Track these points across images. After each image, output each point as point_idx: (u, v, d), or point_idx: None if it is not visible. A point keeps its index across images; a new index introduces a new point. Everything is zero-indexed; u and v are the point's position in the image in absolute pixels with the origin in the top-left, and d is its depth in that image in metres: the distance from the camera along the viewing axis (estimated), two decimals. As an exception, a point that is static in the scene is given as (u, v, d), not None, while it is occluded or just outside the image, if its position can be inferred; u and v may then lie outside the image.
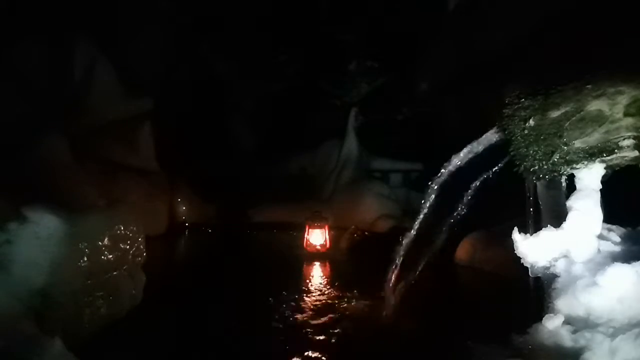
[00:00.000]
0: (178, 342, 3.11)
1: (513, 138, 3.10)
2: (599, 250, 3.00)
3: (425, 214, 3.69)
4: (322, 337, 3.20)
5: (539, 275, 3.07)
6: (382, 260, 3.96)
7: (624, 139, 2.76)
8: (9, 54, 6.09)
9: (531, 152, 3.00)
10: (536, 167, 3.01)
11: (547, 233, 2.99)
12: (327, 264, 5.87)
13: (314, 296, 4.26)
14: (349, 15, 10.94)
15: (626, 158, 2.87)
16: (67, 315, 2.62)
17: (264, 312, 3.74)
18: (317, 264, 5.85)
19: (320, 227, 6.29)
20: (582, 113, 2.79)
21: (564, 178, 3.11)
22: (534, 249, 3.02)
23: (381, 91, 11.20)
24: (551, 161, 2.94)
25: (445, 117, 8.74)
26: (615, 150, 2.80)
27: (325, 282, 4.92)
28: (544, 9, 3.13)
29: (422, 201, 3.73)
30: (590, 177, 3.00)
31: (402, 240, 3.81)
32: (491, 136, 3.37)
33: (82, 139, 5.79)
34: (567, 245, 2.94)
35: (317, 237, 6.24)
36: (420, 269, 3.72)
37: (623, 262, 2.74)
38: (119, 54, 7.99)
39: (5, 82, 5.76)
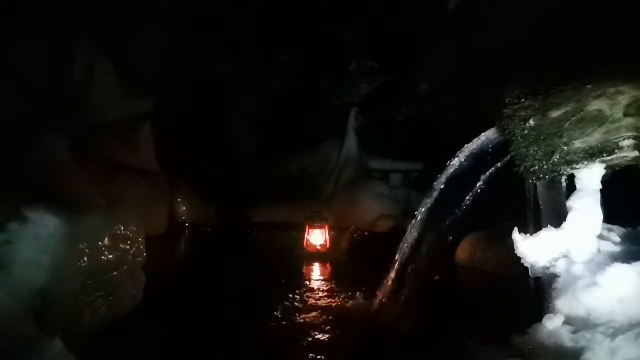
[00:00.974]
0: (178, 342, 3.11)
1: (513, 138, 3.10)
2: (599, 250, 3.00)
3: (424, 212, 3.69)
4: (322, 337, 3.19)
5: (539, 275, 3.07)
6: (382, 260, 3.96)
7: (624, 139, 2.76)
8: (9, 54, 6.09)
9: (531, 152, 3.00)
10: (536, 167, 3.01)
11: (547, 233, 2.99)
12: (327, 264, 5.87)
13: (314, 296, 4.26)
14: (349, 15, 10.94)
15: (626, 158, 2.87)
16: (67, 315, 2.62)
17: (264, 312, 3.74)
18: (317, 264, 5.85)
19: (320, 227, 6.29)
20: (582, 113, 2.79)
21: (564, 178, 3.11)
22: (534, 249, 3.02)
23: (381, 91, 11.20)
24: (551, 161, 2.94)
25: (445, 117, 8.75)
26: (615, 150, 2.80)
27: (325, 282, 4.91)
28: (544, 9, 3.13)
29: (422, 201, 3.74)
30: (590, 177, 3.00)
31: (402, 240, 3.81)
32: (491, 136, 3.38)
33: (82, 139, 5.78)
34: (567, 245, 2.94)
35: (317, 237, 6.24)
36: (420, 269, 3.72)
37: (623, 262, 2.73)
38: (119, 54, 7.99)
39: (5, 82, 5.76)
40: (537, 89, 2.93)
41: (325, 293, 4.37)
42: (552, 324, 2.68)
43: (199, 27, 10.98)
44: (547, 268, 3.02)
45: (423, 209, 3.75)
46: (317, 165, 10.77)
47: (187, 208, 8.96)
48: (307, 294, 4.34)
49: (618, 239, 3.18)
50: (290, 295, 4.19)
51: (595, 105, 2.75)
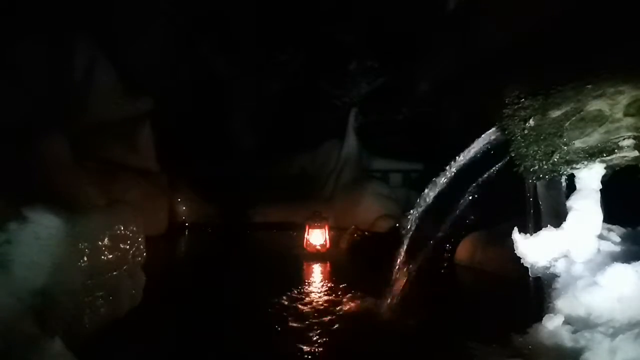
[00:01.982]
0: (178, 342, 3.11)
1: (513, 138, 3.10)
2: (599, 250, 3.00)
3: (423, 212, 3.70)
4: (322, 337, 3.19)
5: (539, 275, 3.07)
6: (382, 260, 3.96)
7: (624, 139, 2.76)
8: (9, 54, 6.09)
9: (531, 152, 3.00)
10: (536, 167, 3.01)
11: (547, 233, 3.00)
12: (327, 264, 5.87)
13: (313, 296, 4.26)
14: (349, 15, 10.94)
15: (626, 158, 2.87)
16: (67, 315, 2.62)
17: (264, 311, 3.74)
18: (317, 264, 5.85)
19: (320, 227, 6.29)
20: (582, 113, 2.79)
21: (564, 178, 3.11)
22: (534, 249, 3.02)
23: (381, 91, 11.21)
24: (551, 161, 2.94)
25: (445, 117, 8.75)
26: (615, 150, 2.80)
27: (325, 282, 4.91)
28: (544, 9, 3.13)
29: (422, 201, 3.74)
30: (590, 177, 3.00)
31: (402, 240, 3.81)
32: (491, 136, 3.37)
33: (82, 139, 5.79)
34: (567, 245, 2.94)
35: (317, 237, 6.24)
36: (420, 269, 3.72)
37: (623, 262, 2.74)
38: (119, 54, 8.00)
39: (6, 82, 5.76)
40: (537, 89, 2.93)
41: (325, 293, 4.37)
42: (552, 324, 2.68)
43: (199, 27, 10.98)
44: (547, 268, 3.02)
45: (423, 209, 3.75)
46: (317, 165, 10.77)
47: (187, 208, 8.96)
48: (307, 293, 4.34)
49: (618, 239, 3.19)
50: (290, 295, 4.18)
51: (595, 105, 2.75)
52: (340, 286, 4.53)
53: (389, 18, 10.25)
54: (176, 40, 10.07)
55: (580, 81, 2.74)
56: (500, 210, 4.39)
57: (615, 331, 2.47)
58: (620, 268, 2.69)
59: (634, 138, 2.74)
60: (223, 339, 3.24)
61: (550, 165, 2.96)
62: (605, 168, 3.01)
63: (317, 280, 5.17)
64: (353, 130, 10.45)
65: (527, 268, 3.10)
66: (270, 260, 6.18)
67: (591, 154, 2.87)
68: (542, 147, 2.96)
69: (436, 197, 3.66)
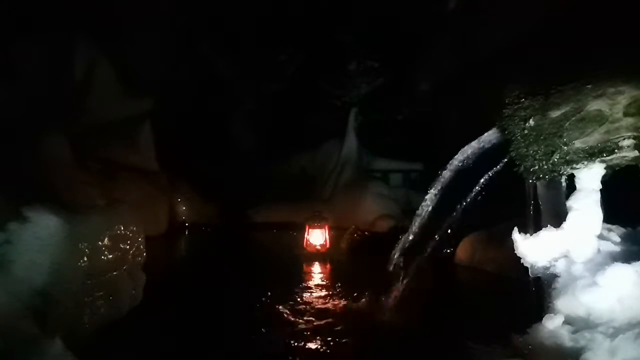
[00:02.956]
0: (178, 342, 3.11)
1: (513, 138, 3.10)
2: (599, 250, 3.00)
3: (424, 213, 3.69)
4: (322, 337, 3.19)
5: (539, 275, 3.07)
6: (382, 260, 3.96)
7: (624, 139, 2.76)
8: (9, 54, 6.09)
9: (531, 152, 3.00)
10: (536, 167, 3.01)
11: (547, 233, 2.99)
12: (327, 264, 5.87)
13: (313, 296, 4.26)
14: (349, 15, 10.94)
15: (626, 158, 2.87)
16: (67, 315, 2.62)
17: (264, 312, 3.74)
18: (317, 264, 5.85)
19: (320, 227, 6.29)
20: (582, 113, 2.79)
21: (564, 178, 3.10)
22: (534, 249, 3.01)
23: (381, 91, 11.20)
24: (551, 161, 2.94)
25: (445, 117, 8.75)
26: (615, 150, 2.80)
27: (325, 282, 4.91)
28: (544, 9, 3.14)
29: (421, 201, 3.74)
30: (590, 177, 3.00)
31: (402, 240, 3.81)
32: (491, 136, 3.38)
33: (82, 139, 5.79)
34: (567, 245, 2.94)
35: (317, 237, 6.24)
36: (420, 269, 3.72)
37: (623, 262, 2.73)
38: (119, 54, 7.99)
39: (6, 82, 5.76)
40: (537, 89, 2.93)
41: (325, 293, 4.37)
42: (552, 324, 2.68)
43: (199, 27, 10.98)
44: (547, 268, 3.02)
45: (423, 209, 3.75)
46: (317, 165, 10.76)
47: (187, 208, 8.95)
48: (307, 294, 4.34)
49: (618, 239, 3.18)
50: (290, 296, 4.18)
51: (595, 105, 2.75)
52: (340, 286, 4.53)
53: (389, 18, 10.25)
54: (176, 41, 10.07)
55: (580, 81, 2.74)
56: (500, 211, 4.39)
57: (615, 331, 2.47)
58: (620, 268, 2.68)
59: (634, 138, 2.73)
60: (223, 338, 3.24)
61: (550, 165, 2.96)
62: (605, 168, 3.00)
63: (317, 280, 5.17)
64: (353, 130, 10.45)
65: (527, 268, 3.10)
66: (271, 260, 6.18)
67: (591, 154, 2.86)
68: (542, 147, 2.95)
69: (436, 197, 3.66)
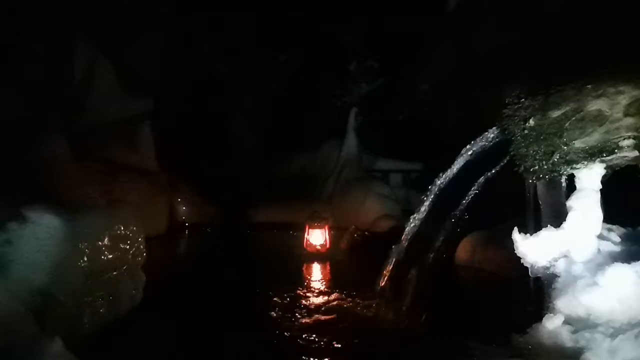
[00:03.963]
0: (178, 342, 3.11)
1: (513, 138, 3.10)
2: (599, 250, 3.01)
3: (424, 212, 3.69)
4: (322, 337, 3.19)
5: (539, 275, 3.07)
6: (382, 260, 3.96)
7: (624, 139, 2.77)
8: (10, 54, 6.09)
9: (531, 152, 3.01)
10: (536, 167, 3.01)
11: (547, 233, 3.00)
12: (327, 264, 5.86)
13: (313, 296, 4.26)
14: (349, 15, 10.94)
15: (626, 158, 2.87)
16: (67, 315, 2.62)
17: (264, 312, 3.74)
18: (317, 264, 5.85)
19: (320, 227, 6.28)
20: (582, 113, 2.80)
21: (564, 178, 3.11)
22: (534, 249, 3.02)
23: (381, 91, 11.20)
24: (551, 161, 2.94)
25: (445, 117, 8.75)
26: (615, 150, 2.80)
27: (325, 282, 4.91)
28: (544, 9, 3.14)
29: (421, 201, 3.74)
30: (590, 177, 3.01)
31: (402, 240, 3.81)
32: (491, 136, 3.38)
33: (82, 139, 5.79)
34: (567, 245, 2.95)
35: (317, 237, 6.24)
36: (420, 269, 3.72)
37: (623, 262, 2.74)
38: (119, 54, 7.99)
39: (6, 82, 5.77)
40: (537, 89, 2.93)
41: (325, 293, 4.37)
42: (552, 324, 2.68)
43: (199, 28, 10.98)
44: (547, 268, 3.02)
45: (423, 209, 3.75)
46: (317, 165, 10.75)
47: (187, 208, 8.94)
48: (307, 294, 4.34)
49: (618, 239, 3.19)
50: (290, 296, 4.18)
51: (595, 105, 2.75)
52: (340, 286, 4.53)
53: (389, 18, 10.25)
54: (176, 41, 10.07)
55: (580, 81, 2.75)
56: (500, 211, 4.39)
57: (615, 331, 2.47)
58: (620, 268, 2.69)
59: (634, 138, 2.74)
60: (223, 338, 3.24)
61: (550, 165, 2.96)
62: (605, 168, 3.01)
63: (317, 280, 5.17)
64: (353, 130, 10.44)
65: (527, 268, 3.10)
66: (271, 260, 6.17)
67: (591, 154, 2.87)
68: (542, 147, 2.96)
69: (437, 197, 3.66)
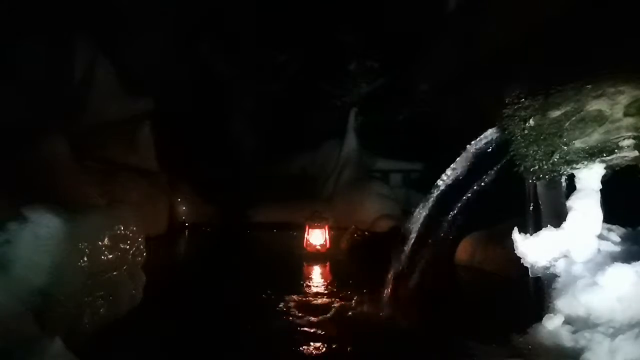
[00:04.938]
0: (178, 342, 3.11)
1: (513, 138, 3.10)
2: (599, 250, 3.00)
3: (424, 212, 3.69)
4: (322, 337, 3.20)
5: (539, 275, 3.07)
6: (382, 260, 3.96)
7: (624, 139, 2.77)
8: (10, 54, 6.09)
9: (531, 152, 3.01)
10: (536, 167, 3.01)
11: (547, 233, 3.00)
12: (327, 264, 5.86)
13: (313, 296, 4.26)
14: (349, 15, 10.94)
15: (626, 158, 2.87)
16: (67, 315, 2.62)
17: (264, 312, 3.74)
18: (317, 264, 5.85)
19: (320, 227, 6.28)
20: (582, 113, 2.79)
21: (564, 178, 3.11)
22: (534, 249, 3.02)
23: (381, 91, 11.20)
24: (551, 161, 2.94)
25: (445, 117, 8.74)
26: (615, 150, 2.80)
27: (325, 282, 4.92)
28: (544, 9, 3.14)
29: (422, 201, 3.74)
30: (590, 177, 3.00)
31: (402, 240, 3.81)
32: (491, 136, 3.38)
33: (82, 139, 5.79)
34: (567, 245, 2.94)
35: (317, 237, 6.24)
36: (420, 269, 3.72)
37: (623, 262, 2.74)
38: (119, 53, 7.99)
39: (6, 82, 5.76)
40: (537, 89, 2.93)
41: (325, 293, 4.37)
42: (552, 324, 2.68)
43: (199, 27, 10.98)
44: (547, 268, 3.02)
45: (423, 209, 3.75)
46: (317, 165, 10.75)
47: (187, 208, 8.94)
48: (307, 294, 4.35)
49: (618, 239, 3.18)
50: (290, 296, 4.18)
51: (595, 105, 2.75)
52: (340, 286, 4.53)
53: (389, 18, 10.25)
54: (176, 41, 10.07)
55: (580, 81, 2.75)
56: (500, 210, 4.39)
57: (615, 331, 2.47)
58: (620, 268, 2.69)
59: (634, 138, 2.74)
60: (223, 339, 3.24)
61: (550, 165, 2.96)
62: (605, 168, 3.01)
63: (317, 280, 5.17)
64: (353, 130, 10.44)
65: (527, 268, 3.10)
66: (270, 260, 6.17)
67: (591, 154, 2.87)
68: (542, 147, 2.96)
69: (437, 197, 3.66)
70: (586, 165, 2.94)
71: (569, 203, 3.02)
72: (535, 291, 3.11)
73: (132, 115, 7.80)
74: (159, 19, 9.44)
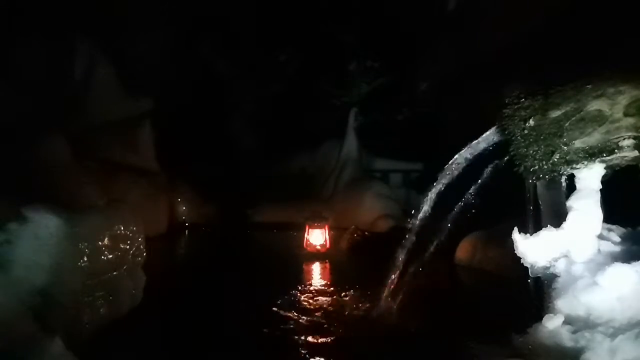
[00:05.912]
0: (178, 342, 3.11)
1: (513, 138, 3.10)
2: (599, 250, 3.00)
3: (424, 212, 3.69)
4: (322, 337, 3.19)
5: (539, 275, 3.07)
6: (382, 260, 3.96)
7: (624, 139, 2.77)
8: (10, 54, 6.09)
9: (531, 152, 3.01)
10: (536, 167, 3.01)
11: (547, 233, 3.00)
12: (327, 264, 5.86)
13: (313, 296, 4.26)
14: (349, 15, 10.94)
15: (626, 158, 2.87)
16: (67, 315, 2.62)
17: (264, 311, 3.74)
18: (317, 264, 5.85)
19: (320, 227, 6.29)
20: (582, 113, 2.80)
21: (564, 178, 3.11)
22: (534, 249, 3.02)
23: (381, 91, 11.20)
24: (551, 161, 2.94)
25: (445, 117, 8.75)
26: (615, 150, 2.80)
27: (325, 282, 4.91)
28: (544, 9, 3.14)
29: (422, 201, 3.73)
30: (590, 177, 3.00)
31: (402, 240, 3.81)
32: (491, 136, 3.37)
33: (82, 139, 5.79)
34: (567, 245, 2.94)
35: (317, 237, 6.24)
36: (419, 269, 3.72)
37: (623, 262, 2.74)
38: (119, 53, 7.99)
39: (6, 82, 5.76)
40: (537, 89, 2.93)
41: (325, 293, 4.37)
42: (552, 324, 2.68)
43: (199, 27, 10.98)
44: (547, 268, 3.02)
45: (423, 209, 3.74)
46: (317, 165, 10.76)
47: (187, 208, 8.95)
48: (307, 294, 4.34)
49: (618, 239, 3.18)
50: (290, 295, 4.18)
51: (595, 105, 2.75)
52: (340, 286, 4.53)
53: (388, 18, 10.25)
54: (176, 41, 10.07)
55: (580, 81, 2.75)
56: (500, 210, 4.38)
57: (615, 331, 2.47)
58: (620, 268, 2.68)
59: (634, 138, 2.74)
60: (222, 338, 3.24)
61: (550, 165, 2.96)
62: (605, 168, 3.01)
63: (317, 280, 5.17)
64: (353, 130, 10.44)
65: (527, 268, 3.10)
66: (270, 260, 6.17)
67: (591, 154, 2.87)
68: (542, 147, 2.96)
69: (437, 197, 3.66)
70: (586, 165, 2.94)
71: (569, 203, 3.02)
72: (535, 291, 3.11)
73: (132, 115, 7.81)
74: (159, 19, 9.44)
